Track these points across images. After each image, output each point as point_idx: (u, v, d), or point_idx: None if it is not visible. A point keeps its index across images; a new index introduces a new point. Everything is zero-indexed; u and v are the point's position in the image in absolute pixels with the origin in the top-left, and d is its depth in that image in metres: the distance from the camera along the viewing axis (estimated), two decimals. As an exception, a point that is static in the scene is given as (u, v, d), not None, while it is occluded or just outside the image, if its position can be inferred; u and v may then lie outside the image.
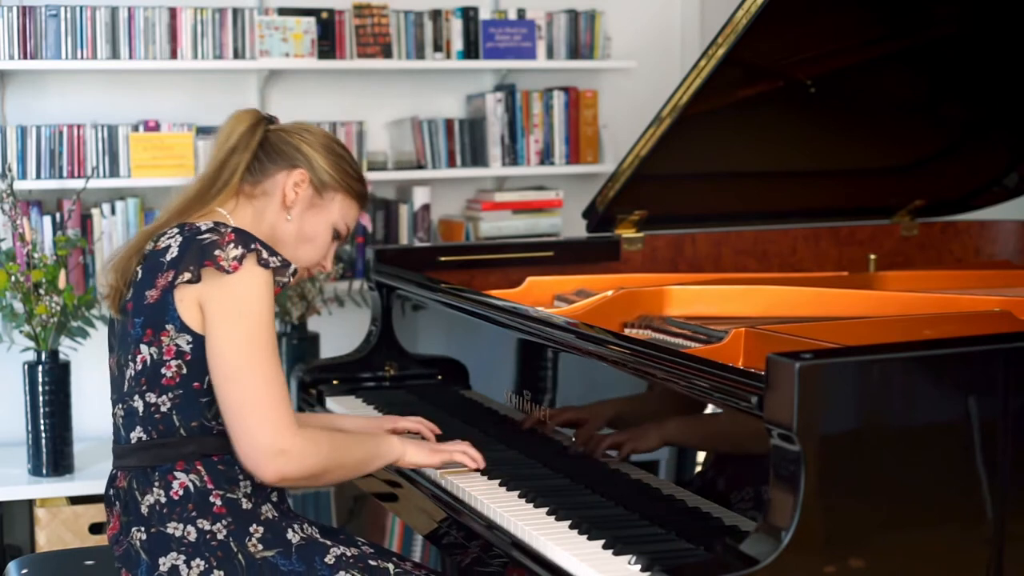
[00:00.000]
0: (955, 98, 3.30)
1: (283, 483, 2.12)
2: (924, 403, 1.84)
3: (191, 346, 2.11)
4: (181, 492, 2.11)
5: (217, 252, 2.09)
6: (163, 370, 2.12)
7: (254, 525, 2.12)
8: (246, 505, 2.13)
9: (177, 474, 2.12)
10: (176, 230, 2.18)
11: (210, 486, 2.12)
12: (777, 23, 2.77)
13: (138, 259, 2.20)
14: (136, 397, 2.14)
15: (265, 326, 2.09)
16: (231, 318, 2.08)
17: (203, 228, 2.15)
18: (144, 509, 2.11)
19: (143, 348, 2.13)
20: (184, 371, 2.12)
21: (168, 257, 2.13)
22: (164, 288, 2.11)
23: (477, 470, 2.35)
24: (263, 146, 2.33)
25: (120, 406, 2.19)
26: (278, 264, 2.14)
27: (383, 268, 3.09)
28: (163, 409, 2.13)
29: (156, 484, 2.12)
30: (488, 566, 2.19)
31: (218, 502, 2.11)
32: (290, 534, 2.14)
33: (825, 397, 1.76)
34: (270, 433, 2.06)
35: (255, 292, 2.10)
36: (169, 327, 2.11)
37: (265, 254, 2.13)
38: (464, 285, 2.88)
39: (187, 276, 2.09)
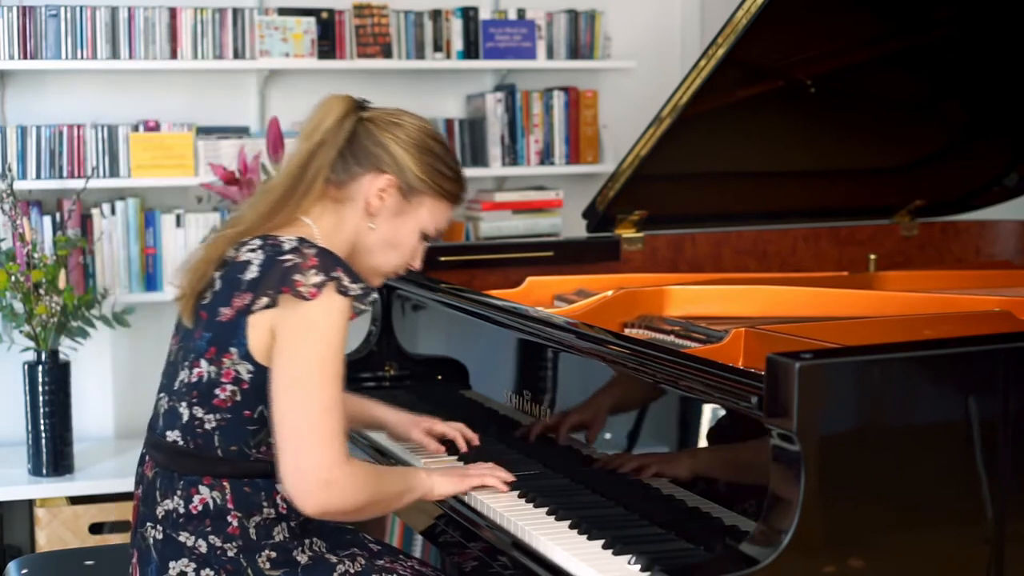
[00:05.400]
0: (955, 98, 3.30)
1: (323, 516, 2.05)
2: (924, 403, 1.84)
3: (251, 375, 2.05)
4: (200, 508, 2.07)
5: (297, 277, 2.01)
6: (217, 391, 2.06)
7: (266, 549, 2.08)
8: (256, 533, 2.08)
9: (201, 488, 2.07)
10: (259, 242, 2.08)
11: (230, 506, 2.07)
12: (777, 23, 2.77)
13: (216, 265, 2.11)
14: (184, 404, 2.09)
15: (334, 354, 2.01)
16: (300, 340, 2.00)
17: (286, 247, 2.06)
18: (160, 511, 2.09)
19: (203, 363, 2.07)
20: (238, 398, 2.06)
21: (248, 276, 2.05)
22: (240, 310, 2.04)
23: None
24: (351, 142, 2.17)
25: (166, 399, 2.13)
26: (359, 292, 2.04)
27: (383, 268, 3.08)
28: (207, 426, 2.07)
29: (178, 492, 2.08)
30: (488, 566, 2.19)
31: (234, 523, 2.07)
32: (298, 554, 2.11)
33: (825, 397, 1.76)
34: (319, 460, 1.98)
35: (330, 319, 2.01)
36: (233, 351, 2.05)
37: (347, 280, 2.03)
38: (464, 285, 2.88)
39: (264, 301, 2.02)
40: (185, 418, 2.09)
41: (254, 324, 2.03)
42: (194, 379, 2.08)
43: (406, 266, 2.27)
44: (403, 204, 2.20)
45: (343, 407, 2.03)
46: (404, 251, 2.24)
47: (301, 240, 2.08)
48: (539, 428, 2.42)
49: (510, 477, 2.28)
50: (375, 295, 2.08)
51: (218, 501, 2.07)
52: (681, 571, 1.85)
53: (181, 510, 2.07)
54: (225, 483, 2.08)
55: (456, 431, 2.51)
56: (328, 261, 2.04)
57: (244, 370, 2.05)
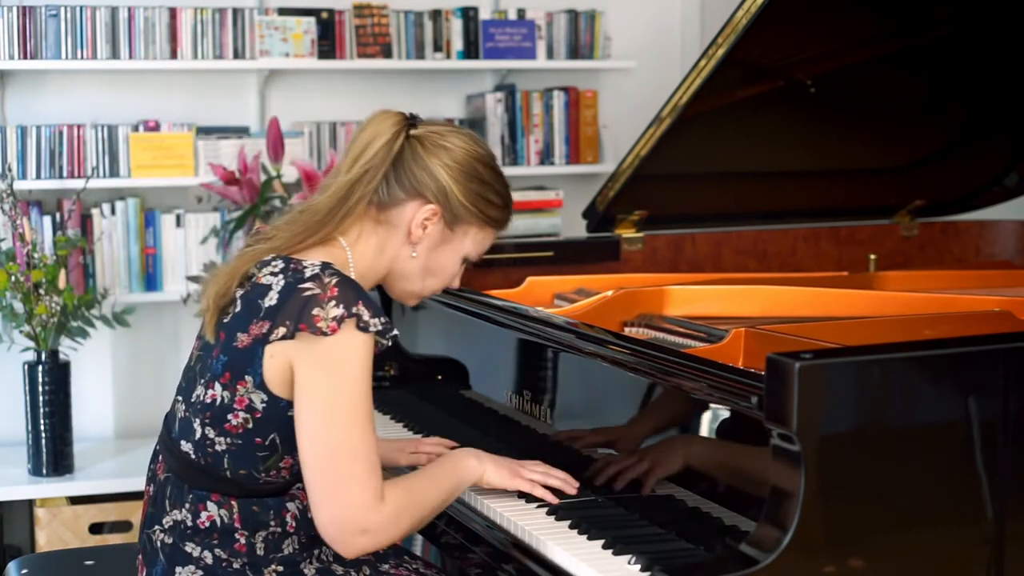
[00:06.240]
0: (955, 98, 3.30)
1: (362, 555, 2.02)
2: (924, 403, 1.84)
3: (264, 405, 1.99)
4: (207, 524, 2.05)
5: (315, 312, 1.93)
6: (229, 416, 2.01)
7: (273, 563, 2.07)
8: (265, 548, 2.07)
9: (209, 504, 2.05)
10: (281, 264, 2.01)
11: (237, 524, 2.05)
12: (777, 23, 2.77)
13: (240, 281, 2.04)
14: (197, 421, 2.05)
15: (360, 392, 1.94)
16: (324, 381, 1.94)
17: (307, 273, 1.97)
18: (168, 520, 2.08)
19: (217, 386, 2.02)
20: (249, 425, 2.01)
21: (267, 303, 1.97)
22: (257, 338, 1.97)
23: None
24: (397, 163, 2.09)
25: (183, 406, 2.09)
26: (380, 328, 1.96)
27: (383, 268, 3.08)
28: (217, 448, 2.04)
29: (187, 505, 2.06)
30: (488, 566, 2.19)
31: (241, 540, 2.05)
32: (305, 566, 2.10)
33: (825, 397, 1.76)
34: (354, 510, 1.93)
35: (351, 355, 1.94)
36: (248, 379, 1.99)
37: (367, 316, 1.95)
38: (464, 285, 2.87)
39: (282, 332, 1.94)
40: (197, 435, 2.06)
41: (271, 354, 1.97)
42: (208, 400, 2.04)
43: (444, 288, 2.23)
44: (447, 233, 2.14)
45: (374, 444, 1.97)
46: (444, 276, 2.20)
47: (324, 266, 2.00)
48: (539, 428, 2.42)
49: (571, 489, 2.21)
50: (396, 331, 2.01)
51: (225, 520, 2.05)
52: (681, 571, 1.85)
53: (189, 523, 2.06)
54: (233, 502, 2.05)
55: (438, 446, 2.49)
56: (349, 293, 1.96)
57: (258, 399, 2.00)
